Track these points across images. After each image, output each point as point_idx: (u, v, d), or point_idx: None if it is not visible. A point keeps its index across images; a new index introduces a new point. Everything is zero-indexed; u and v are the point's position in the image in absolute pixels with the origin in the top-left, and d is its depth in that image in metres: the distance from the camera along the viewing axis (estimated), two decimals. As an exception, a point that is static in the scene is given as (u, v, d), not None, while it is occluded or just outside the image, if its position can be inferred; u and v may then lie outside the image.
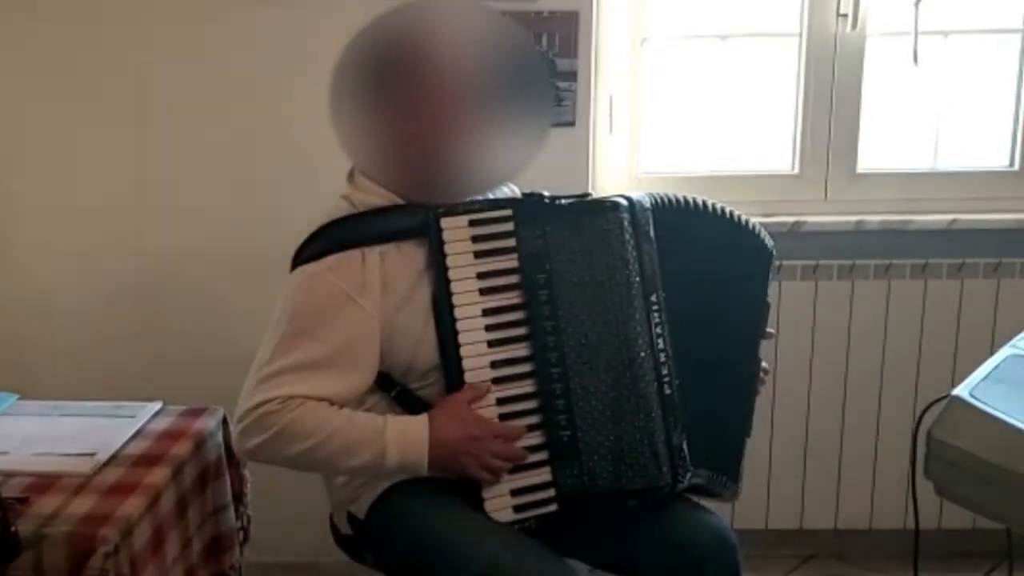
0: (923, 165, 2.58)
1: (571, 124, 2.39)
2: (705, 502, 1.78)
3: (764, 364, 1.83)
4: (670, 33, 2.53)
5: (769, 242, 1.81)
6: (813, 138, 2.53)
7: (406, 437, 1.56)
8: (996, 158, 2.58)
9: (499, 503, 1.60)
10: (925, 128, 2.57)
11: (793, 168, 2.56)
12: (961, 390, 1.39)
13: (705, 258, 1.72)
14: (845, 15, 2.44)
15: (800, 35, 2.48)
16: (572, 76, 2.38)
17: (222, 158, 2.41)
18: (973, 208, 2.51)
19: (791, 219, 2.48)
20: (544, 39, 2.35)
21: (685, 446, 1.66)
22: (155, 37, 2.35)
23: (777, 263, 2.38)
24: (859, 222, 2.49)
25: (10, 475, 1.64)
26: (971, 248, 2.48)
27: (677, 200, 1.72)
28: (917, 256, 2.48)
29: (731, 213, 1.77)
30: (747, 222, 1.78)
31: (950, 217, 2.48)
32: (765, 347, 1.83)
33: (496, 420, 1.60)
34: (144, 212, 2.43)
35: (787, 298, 2.45)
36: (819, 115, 2.51)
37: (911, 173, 2.57)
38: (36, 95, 2.39)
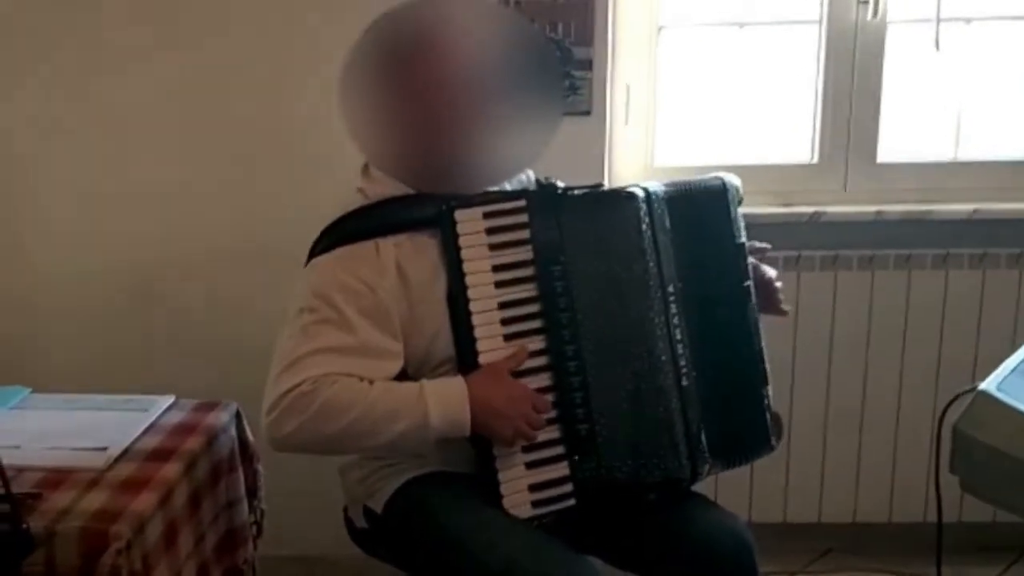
0: (944, 154, 2.55)
1: (587, 113, 2.36)
2: (724, 498, 1.77)
3: (770, 273, 1.79)
4: (687, 20, 2.50)
5: (722, 182, 1.74)
6: (833, 127, 2.49)
7: (446, 396, 1.53)
8: (1019, 147, 2.55)
9: (517, 499, 1.58)
10: (946, 117, 2.54)
11: (812, 158, 2.53)
12: (988, 384, 1.37)
13: (700, 234, 1.70)
14: (866, 2, 2.40)
15: (820, 22, 2.45)
16: (588, 65, 2.35)
17: (235, 153, 2.39)
18: (995, 198, 2.47)
19: (810, 209, 2.46)
20: (560, 27, 2.32)
21: (703, 437, 1.64)
22: (167, 35, 2.34)
23: (796, 253, 2.42)
24: (879, 212, 2.46)
25: (22, 470, 1.62)
26: (993, 238, 2.45)
27: (682, 185, 1.70)
28: (938, 246, 2.45)
29: (696, 181, 1.73)
30: (703, 180, 1.74)
31: (971, 207, 2.45)
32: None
33: None
34: (158, 206, 2.42)
35: (806, 289, 2.43)
36: (839, 104, 2.48)
37: (932, 163, 2.54)
38: (47, 92, 2.38)
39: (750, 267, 1.74)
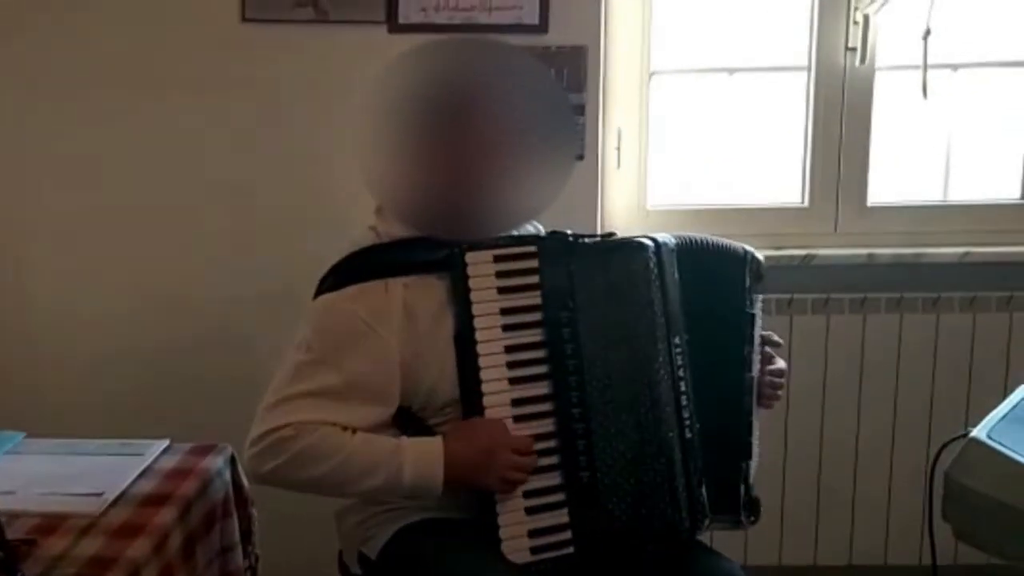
0: (934, 198, 2.58)
1: (580, 158, 2.38)
2: (719, 542, 1.76)
3: (781, 364, 1.77)
4: (678, 67, 2.54)
5: (744, 250, 1.73)
6: (823, 171, 2.52)
7: (421, 456, 1.54)
8: (1007, 191, 2.58)
9: (516, 544, 1.57)
10: (935, 161, 2.57)
11: (803, 201, 2.56)
12: (979, 431, 1.37)
13: (707, 294, 1.69)
14: (854, 49, 2.44)
15: (808, 69, 2.49)
16: (580, 110, 2.38)
17: (236, 198, 2.42)
18: (985, 241, 2.50)
19: (801, 252, 2.48)
20: (552, 73, 2.35)
21: (704, 490, 1.64)
22: (176, 66, 2.37)
23: (788, 296, 2.43)
24: (870, 255, 2.48)
25: (17, 516, 1.61)
26: (983, 281, 2.47)
27: (688, 239, 1.70)
28: (929, 289, 2.47)
29: (716, 241, 1.73)
30: (728, 244, 1.73)
31: (962, 250, 2.47)
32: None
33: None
34: (154, 251, 2.44)
35: (798, 332, 2.44)
36: (828, 148, 2.51)
37: (922, 206, 2.57)
38: (56, 122, 2.40)
39: (757, 344, 1.72)
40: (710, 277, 1.69)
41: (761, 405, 1.76)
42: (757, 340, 1.73)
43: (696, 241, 1.71)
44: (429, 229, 1.61)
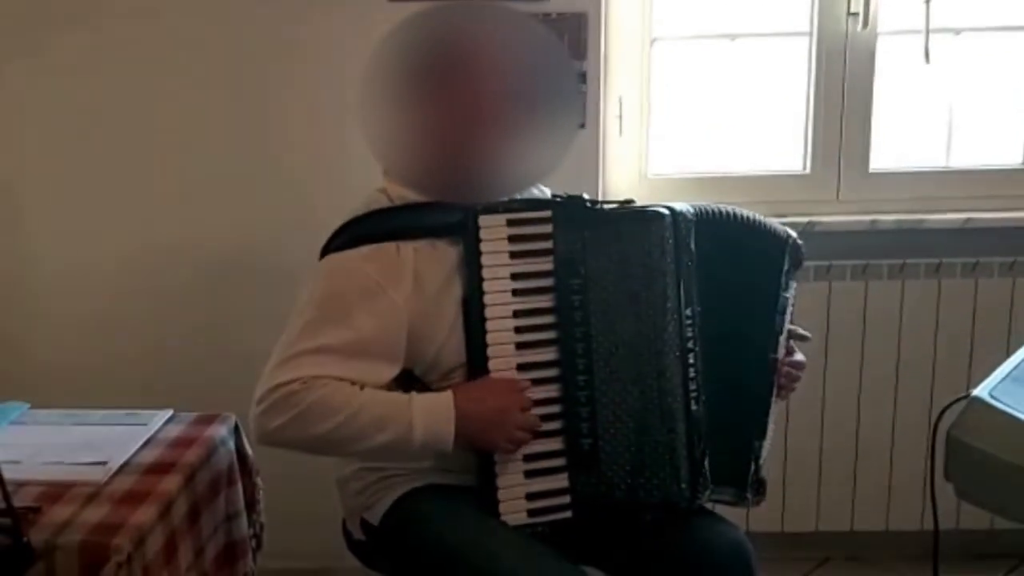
0: (936, 164, 2.57)
1: (581, 125, 2.38)
2: (722, 508, 1.76)
3: (799, 358, 1.78)
4: (679, 33, 2.52)
5: (787, 233, 1.75)
6: (825, 138, 2.51)
7: (432, 411, 1.54)
8: (1010, 156, 2.57)
9: (513, 506, 1.58)
10: (937, 126, 2.56)
11: (805, 168, 2.55)
12: (981, 391, 1.37)
13: (739, 269, 1.68)
14: (856, 13, 2.43)
15: (810, 34, 2.47)
16: (581, 78, 2.37)
17: (236, 167, 2.41)
18: (987, 207, 2.49)
19: (803, 219, 2.46)
20: (557, 38, 2.33)
21: (707, 463, 1.64)
22: (176, 36, 2.37)
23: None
24: (872, 222, 2.47)
25: (22, 484, 1.62)
26: (985, 247, 2.47)
27: (718, 212, 1.69)
28: (931, 255, 2.47)
29: (756, 218, 1.73)
30: (770, 224, 1.74)
31: (964, 216, 2.47)
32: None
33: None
34: (154, 220, 2.44)
35: (801, 299, 2.38)
36: (830, 114, 2.50)
37: (924, 172, 2.56)
38: (48, 100, 2.39)
39: (785, 329, 1.72)
40: (743, 253, 1.68)
41: (776, 395, 1.76)
42: (787, 325, 1.73)
43: (728, 215, 1.69)
44: (430, 192, 1.61)
